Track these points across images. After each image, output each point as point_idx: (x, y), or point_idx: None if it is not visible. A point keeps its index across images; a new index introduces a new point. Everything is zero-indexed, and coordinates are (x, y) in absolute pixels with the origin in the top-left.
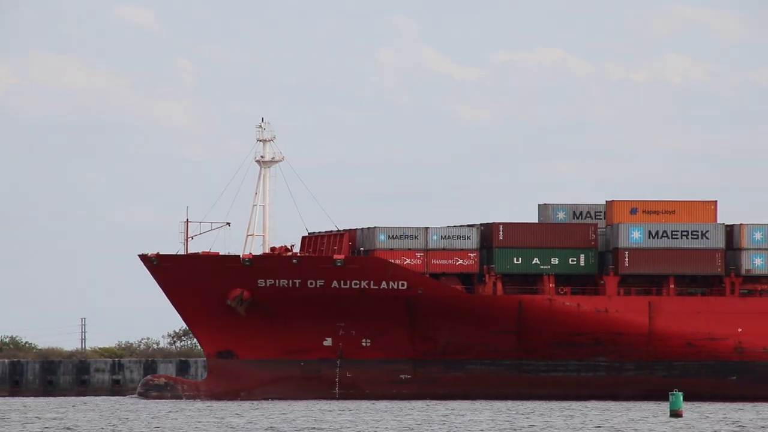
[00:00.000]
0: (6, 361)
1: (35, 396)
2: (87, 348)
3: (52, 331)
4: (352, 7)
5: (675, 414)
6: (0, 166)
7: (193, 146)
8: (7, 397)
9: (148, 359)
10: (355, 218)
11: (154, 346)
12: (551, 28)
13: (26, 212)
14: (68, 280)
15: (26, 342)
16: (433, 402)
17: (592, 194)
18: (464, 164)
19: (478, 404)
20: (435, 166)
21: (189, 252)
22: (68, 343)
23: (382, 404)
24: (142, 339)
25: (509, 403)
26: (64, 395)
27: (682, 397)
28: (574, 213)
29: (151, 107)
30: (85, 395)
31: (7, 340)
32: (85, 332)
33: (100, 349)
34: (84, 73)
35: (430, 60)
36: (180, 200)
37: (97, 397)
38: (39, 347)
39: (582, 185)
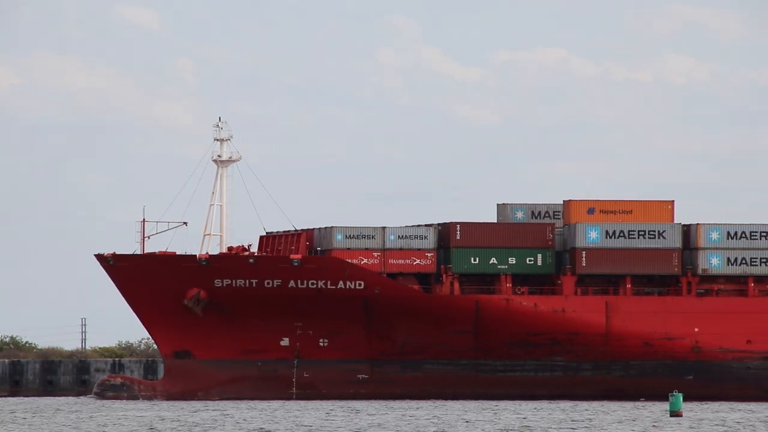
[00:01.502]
0: (6, 361)
1: (35, 396)
2: (87, 348)
3: (52, 331)
4: (353, 8)
5: (675, 415)
6: (0, 166)
7: (194, 146)
8: (7, 397)
9: (149, 359)
10: (314, 218)
11: (154, 345)
12: (552, 28)
13: (26, 212)
14: (68, 280)
15: (26, 342)
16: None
17: (591, 194)
18: (465, 164)
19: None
20: (435, 166)
21: (145, 252)
22: (68, 343)
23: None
24: (142, 339)
25: (505, 402)
26: (65, 395)
27: (682, 398)
28: (533, 213)
29: (152, 107)
30: (85, 395)
31: (7, 340)
32: (85, 332)
33: (100, 349)
34: (84, 73)
35: (431, 60)
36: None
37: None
38: (39, 347)
39: (582, 185)
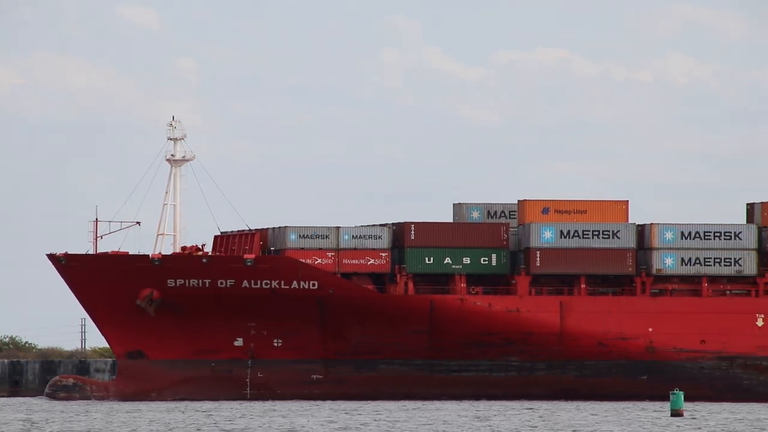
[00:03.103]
0: (6, 361)
1: (35, 396)
2: (87, 348)
3: (52, 331)
4: (354, 8)
5: (676, 414)
6: (0, 166)
7: (195, 146)
8: (7, 397)
9: None
10: (268, 217)
11: None
12: (554, 28)
13: (26, 212)
14: None
15: (26, 342)
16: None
17: (591, 194)
18: (466, 164)
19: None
20: (436, 165)
21: (98, 251)
22: (68, 343)
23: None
24: None
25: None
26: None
27: (683, 397)
28: (489, 212)
29: (153, 107)
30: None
31: (7, 340)
32: (85, 332)
33: (100, 349)
34: (85, 72)
35: (432, 60)
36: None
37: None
38: (39, 347)
39: (581, 185)
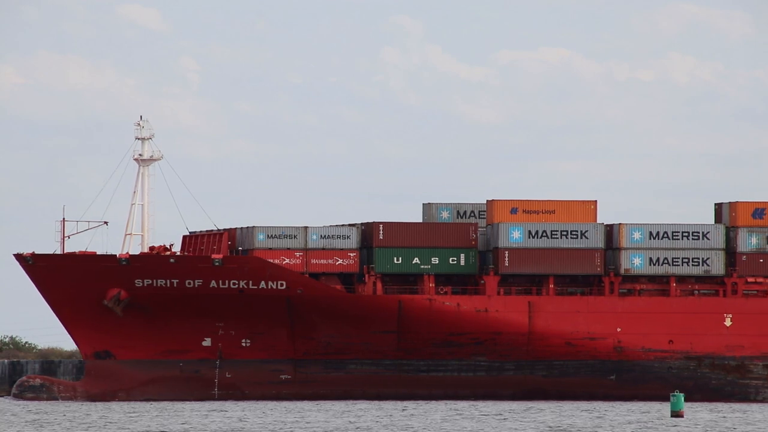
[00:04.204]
0: (6, 361)
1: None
2: None
3: (52, 331)
4: (357, 8)
5: (676, 415)
6: (0, 166)
7: (197, 146)
8: (7, 397)
9: None
10: (236, 217)
11: None
12: (556, 28)
13: (26, 212)
14: None
15: (26, 342)
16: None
17: (589, 195)
18: (467, 164)
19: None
20: (436, 165)
21: (65, 251)
22: (68, 343)
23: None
24: None
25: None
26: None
27: (683, 398)
28: (458, 212)
29: (155, 107)
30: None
31: (7, 340)
32: None
33: None
34: (87, 72)
35: (434, 60)
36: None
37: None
38: (39, 347)
39: (585, 185)
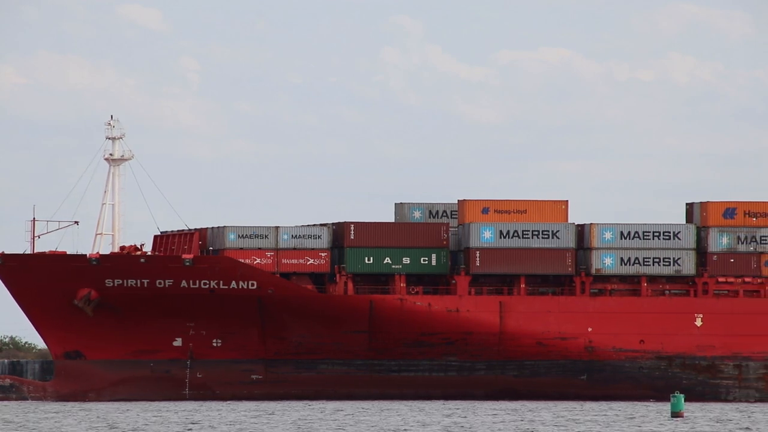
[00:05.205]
0: (6, 361)
1: None
2: None
3: None
4: (357, 8)
5: (676, 415)
6: (0, 166)
7: (198, 146)
8: None
9: None
10: (207, 217)
11: None
12: (556, 28)
13: (26, 212)
14: None
15: (26, 342)
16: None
17: (590, 194)
18: (468, 164)
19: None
20: (437, 165)
21: (35, 251)
22: None
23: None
24: None
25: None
26: None
27: (683, 399)
28: (430, 212)
29: (156, 107)
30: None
31: (7, 340)
32: None
33: None
34: (87, 72)
35: (436, 60)
36: (185, 201)
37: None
38: (39, 347)
39: (586, 184)
